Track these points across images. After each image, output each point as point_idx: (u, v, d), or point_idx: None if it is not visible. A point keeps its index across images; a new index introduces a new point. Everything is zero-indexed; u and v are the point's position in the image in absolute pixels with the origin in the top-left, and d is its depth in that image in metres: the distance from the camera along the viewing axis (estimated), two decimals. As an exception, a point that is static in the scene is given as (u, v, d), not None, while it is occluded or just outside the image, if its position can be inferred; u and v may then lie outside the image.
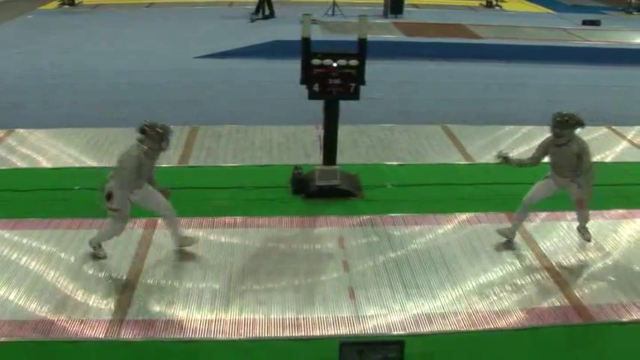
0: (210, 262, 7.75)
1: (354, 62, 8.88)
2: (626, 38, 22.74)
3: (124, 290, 7.14)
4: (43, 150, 10.92)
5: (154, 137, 7.28)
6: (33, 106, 13.43)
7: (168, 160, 10.51)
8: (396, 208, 9.13)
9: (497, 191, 9.67)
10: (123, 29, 21.65)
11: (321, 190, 9.28)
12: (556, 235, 8.54)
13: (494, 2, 29.09)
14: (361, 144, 11.33)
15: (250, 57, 17.89)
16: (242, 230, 8.46)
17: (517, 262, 7.94)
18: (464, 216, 8.97)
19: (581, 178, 7.82)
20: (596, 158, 11.21)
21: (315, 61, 8.85)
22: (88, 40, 19.85)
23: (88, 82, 15.23)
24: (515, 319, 6.89)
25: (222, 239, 8.25)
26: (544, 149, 7.98)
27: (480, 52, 19.39)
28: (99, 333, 6.46)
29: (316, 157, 9.96)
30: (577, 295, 7.28)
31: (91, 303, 6.91)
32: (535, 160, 8.08)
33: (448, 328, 6.72)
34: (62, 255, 7.77)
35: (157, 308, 6.87)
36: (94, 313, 6.74)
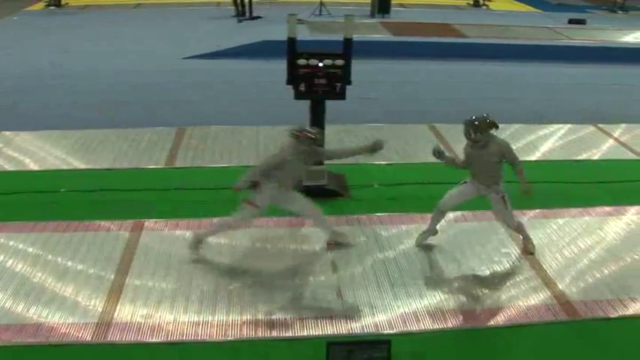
0: (198, 264, 7.73)
1: (339, 62, 8.88)
2: (612, 37, 22.87)
3: (111, 293, 7.10)
4: (30, 152, 10.86)
5: (304, 140, 7.47)
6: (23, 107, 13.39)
7: (155, 161, 10.54)
8: (383, 207, 9.14)
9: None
10: (109, 30, 21.53)
11: (308, 191, 9.24)
12: (543, 233, 8.57)
13: (481, 1, 29.18)
14: (348, 143, 11.32)
15: (239, 57, 17.87)
16: (229, 231, 8.43)
17: (504, 259, 7.97)
18: (450, 215, 8.97)
19: (517, 175, 7.74)
20: (582, 156, 11.36)
21: (301, 61, 8.85)
22: (75, 41, 19.73)
23: (71, 82, 15.18)
24: (502, 316, 6.91)
25: (209, 240, 8.21)
26: (466, 154, 7.87)
27: (466, 52, 19.45)
28: (85, 336, 6.43)
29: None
30: (564, 292, 7.32)
31: (77, 306, 6.87)
32: (464, 163, 7.96)
33: (436, 326, 6.73)
34: (48, 258, 7.73)
35: (144, 310, 6.84)
36: (80, 316, 6.70)
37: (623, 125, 12.89)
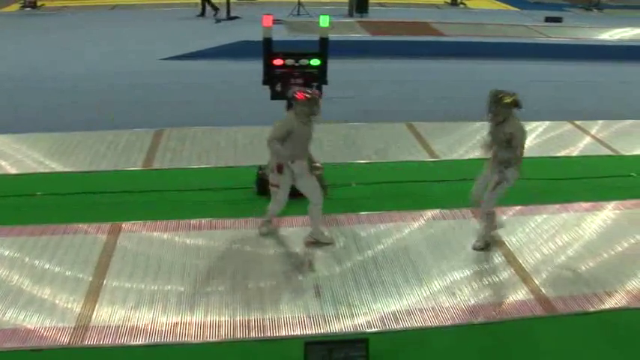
0: (176, 265, 7.69)
1: (315, 61, 8.88)
2: (587, 35, 23.09)
3: (88, 296, 7.06)
4: (6, 155, 10.75)
5: (304, 102, 7.56)
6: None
7: (132, 163, 10.49)
8: (362, 206, 9.15)
9: (462, 188, 9.72)
10: (85, 31, 21.45)
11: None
12: (521, 230, 8.62)
13: (458, 0, 29.34)
14: (326, 143, 11.34)
15: (217, 58, 17.87)
16: (208, 232, 8.42)
17: (482, 257, 8.00)
18: (429, 213, 9.02)
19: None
20: (561, 153, 11.44)
21: (277, 61, 8.84)
22: (51, 42, 19.62)
23: (42, 85, 15.05)
24: (480, 314, 6.94)
25: (188, 241, 8.20)
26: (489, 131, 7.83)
27: (444, 50, 19.54)
28: (63, 339, 6.38)
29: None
30: (540, 288, 7.37)
31: (54, 309, 6.82)
32: (488, 144, 7.87)
33: (414, 325, 6.76)
34: (25, 261, 7.66)
35: (121, 313, 6.80)
36: (57, 320, 6.65)
37: (600, 122, 13.00)
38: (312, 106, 7.63)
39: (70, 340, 6.38)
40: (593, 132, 12.52)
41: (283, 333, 6.57)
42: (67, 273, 7.47)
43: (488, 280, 7.54)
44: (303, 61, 8.86)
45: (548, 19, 25.09)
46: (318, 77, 8.93)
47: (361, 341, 6.03)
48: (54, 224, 8.44)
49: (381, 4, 27.67)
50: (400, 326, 6.73)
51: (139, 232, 8.37)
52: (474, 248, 8.12)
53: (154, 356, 6.27)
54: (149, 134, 11.65)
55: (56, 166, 10.41)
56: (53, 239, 8.12)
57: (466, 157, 11.06)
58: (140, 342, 6.41)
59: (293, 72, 8.85)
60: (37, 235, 8.21)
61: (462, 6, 29.13)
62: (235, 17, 23.39)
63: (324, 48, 8.94)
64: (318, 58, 8.90)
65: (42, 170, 10.27)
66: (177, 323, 6.67)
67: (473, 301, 7.15)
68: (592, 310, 7.02)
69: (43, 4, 26.66)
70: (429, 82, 16.25)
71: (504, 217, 8.69)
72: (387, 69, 17.60)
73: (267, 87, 9.01)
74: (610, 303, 7.14)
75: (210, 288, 7.27)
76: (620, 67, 18.75)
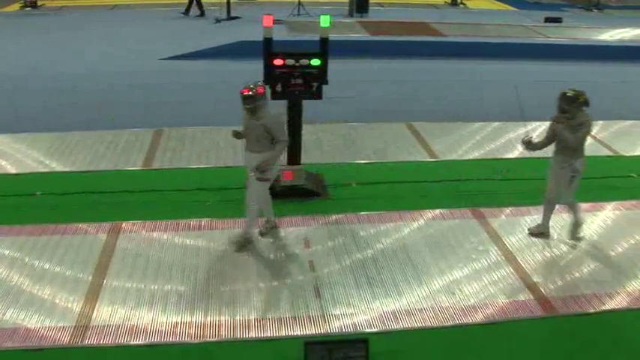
0: (176, 265, 7.70)
1: (316, 61, 8.88)
2: (587, 35, 23.08)
3: (88, 295, 7.06)
4: (6, 155, 10.75)
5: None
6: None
7: (132, 163, 10.49)
8: (361, 206, 9.15)
9: (462, 188, 9.75)
10: (85, 31, 21.42)
11: (285, 191, 9.27)
12: (520, 231, 8.62)
13: (458, 0, 29.34)
14: (325, 143, 11.34)
15: (216, 58, 17.84)
16: (207, 232, 8.42)
17: (482, 257, 8.01)
18: (429, 213, 9.02)
19: None
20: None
21: (277, 61, 8.83)
22: (49, 43, 19.59)
23: (42, 85, 15.02)
24: (480, 314, 6.95)
25: (187, 242, 8.20)
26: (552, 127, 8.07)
27: (444, 50, 19.53)
28: (63, 339, 6.39)
29: (281, 157, 9.94)
30: (540, 289, 7.37)
31: (54, 309, 6.82)
32: (548, 139, 8.17)
33: (414, 324, 6.76)
34: (25, 261, 7.66)
35: (121, 312, 6.81)
36: (57, 319, 6.66)
37: (600, 122, 12.95)
38: (242, 104, 7.66)
39: (70, 339, 6.39)
40: (593, 132, 12.47)
41: (283, 333, 6.57)
42: (67, 273, 7.48)
43: (488, 281, 7.54)
44: (304, 61, 8.85)
45: (547, 20, 25.08)
46: (319, 77, 8.92)
47: (361, 341, 6.04)
48: (54, 224, 8.45)
49: (380, 4, 27.66)
50: (400, 326, 6.73)
51: (139, 232, 8.37)
52: (573, 238, 8.36)
53: (154, 356, 6.28)
54: (149, 134, 11.65)
55: (56, 166, 10.41)
56: (53, 239, 8.13)
57: (466, 158, 11.07)
58: (140, 342, 6.41)
59: (293, 72, 8.84)
60: (36, 235, 8.21)
61: (461, 6, 29.13)
62: (236, 17, 23.38)
63: (325, 48, 8.93)
64: (319, 58, 8.89)
65: (42, 170, 10.28)
66: (177, 323, 6.67)
67: (472, 301, 7.15)
68: (592, 311, 7.02)
69: (43, 4, 26.63)
70: (429, 82, 16.23)
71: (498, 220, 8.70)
72: (387, 69, 17.59)
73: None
74: (611, 304, 7.15)
75: (210, 288, 7.27)
76: (621, 68, 18.72)
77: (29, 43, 19.57)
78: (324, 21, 8.92)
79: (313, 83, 8.89)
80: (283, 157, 8.60)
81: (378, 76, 16.59)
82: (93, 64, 16.88)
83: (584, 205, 9.28)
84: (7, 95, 14.07)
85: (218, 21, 23.06)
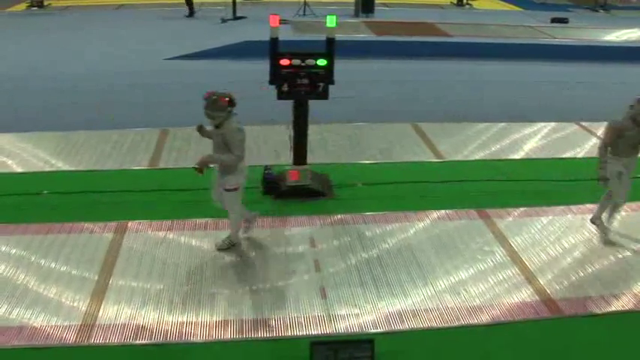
0: (181, 264, 7.71)
1: (322, 62, 8.87)
2: (593, 36, 23.04)
3: (94, 294, 7.08)
4: (12, 154, 10.77)
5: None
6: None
7: (138, 163, 10.50)
8: (367, 206, 9.15)
9: (467, 188, 9.73)
10: (86, 31, 21.44)
11: (291, 191, 9.28)
12: (526, 232, 8.61)
13: (464, 1, 29.33)
14: (330, 143, 11.34)
15: (221, 58, 17.86)
16: (213, 232, 8.42)
17: (487, 258, 8.00)
18: (434, 213, 9.01)
19: None
20: (566, 154, 11.42)
21: (284, 61, 8.83)
22: (50, 43, 19.60)
23: (42, 85, 15.04)
24: (485, 315, 6.94)
25: (193, 242, 8.21)
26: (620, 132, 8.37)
27: (449, 51, 19.51)
28: (69, 337, 6.40)
29: (287, 157, 9.93)
30: (546, 290, 7.36)
31: (60, 308, 6.84)
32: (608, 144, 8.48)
33: (419, 325, 6.75)
34: (31, 260, 7.68)
35: (127, 312, 6.82)
36: (64, 318, 6.67)
37: (606, 123, 12.92)
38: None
39: (76, 338, 6.40)
40: (599, 133, 12.45)
41: (289, 333, 6.58)
42: (73, 272, 7.49)
43: (493, 282, 7.53)
44: (310, 61, 8.84)
45: (554, 20, 25.05)
46: (325, 77, 8.92)
47: (366, 341, 6.03)
48: (60, 223, 8.47)
49: (385, 5, 27.66)
50: (405, 326, 6.72)
51: (145, 232, 8.38)
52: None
53: (160, 355, 6.29)
54: (155, 134, 11.67)
55: (62, 165, 10.43)
56: (59, 238, 8.14)
57: (471, 158, 11.05)
58: (146, 341, 6.42)
59: (299, 72, 8.84)
60: (43, 234, 8.23)
61: (467, 6, 29.11)
62: (241, 17, 23.40)
63: (331, 48, 8.93)
64: (325, 58, 8.88)
65: (48, 169, 10.30)
66: (183, 322, 6.67)
67: (478, 302, 7.14)
68: (599, 312, 7.01)
69: (49, 4, 26.69)
70: (429, 83, 16.21)
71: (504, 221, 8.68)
72: (387, 69, 17.56)
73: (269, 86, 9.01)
74: (617, 305, 7.13)
75: (215, 287, 7.28)
76: (628, 69, 18.65)
77: (29, 43, 19.61)
78: (331, 21, 8.91)
79: (319, 83, 8.88)
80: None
81: (378, 76, 16.57)
82: (93, 64, 16.90)
83: (589, 206, 9.28)
84: (7, 95, 14.09)
85: (224, 21, 23.08)
